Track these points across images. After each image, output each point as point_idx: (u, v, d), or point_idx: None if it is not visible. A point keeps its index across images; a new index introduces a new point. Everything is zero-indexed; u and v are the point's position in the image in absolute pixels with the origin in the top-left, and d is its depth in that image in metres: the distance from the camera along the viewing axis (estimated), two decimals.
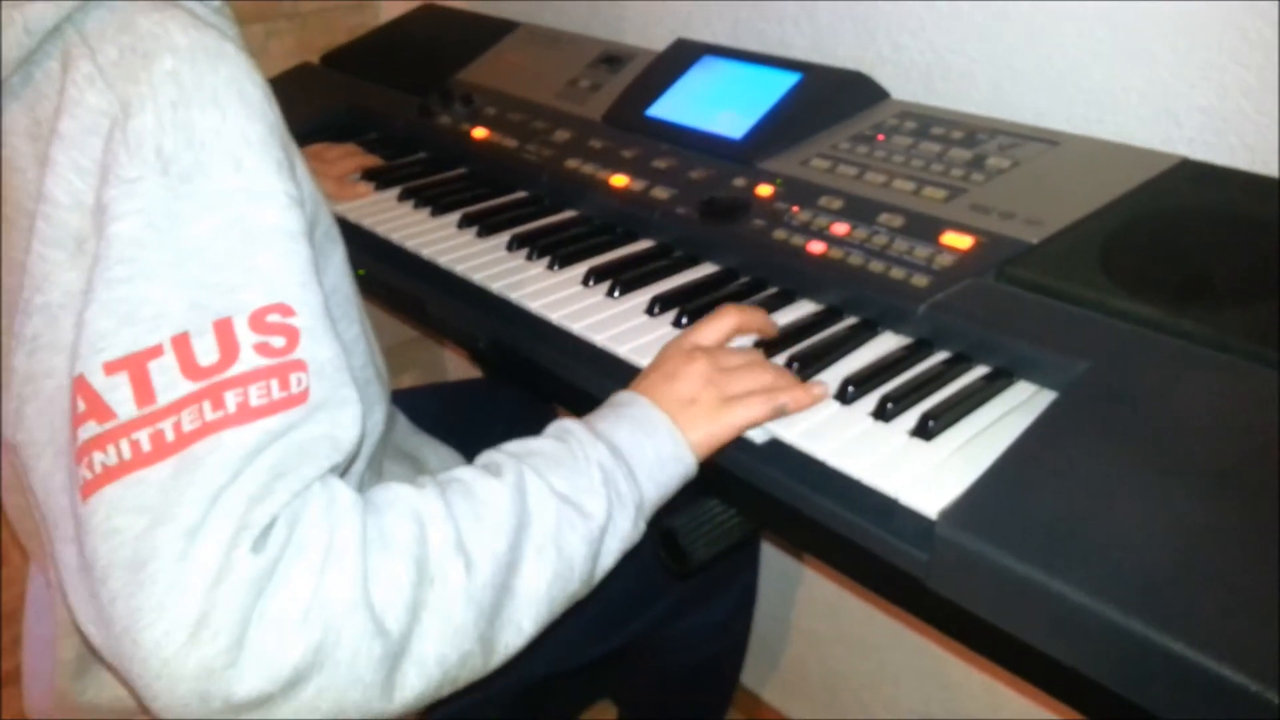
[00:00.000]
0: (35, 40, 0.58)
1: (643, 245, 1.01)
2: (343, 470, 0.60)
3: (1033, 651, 0.57)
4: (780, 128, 1.06)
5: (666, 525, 0.78)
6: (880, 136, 1.01)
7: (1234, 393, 0.65)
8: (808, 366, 0.77)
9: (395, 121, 1.35)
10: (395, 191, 1.18)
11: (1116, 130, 0.97)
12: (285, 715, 0.52)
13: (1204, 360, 0.68)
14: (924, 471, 0.65)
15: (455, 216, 1.09)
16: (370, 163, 1.27)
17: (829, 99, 1.08)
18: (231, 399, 0.53)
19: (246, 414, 0.53)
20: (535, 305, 0.90)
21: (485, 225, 1.06)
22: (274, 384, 0.55)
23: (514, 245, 1.01)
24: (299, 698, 0.52)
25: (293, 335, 0.56)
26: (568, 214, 1.10)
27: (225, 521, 0.51)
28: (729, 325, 0.79)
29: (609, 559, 0.67)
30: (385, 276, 1.05)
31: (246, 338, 0.55)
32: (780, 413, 0.72)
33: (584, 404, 0.82)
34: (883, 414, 0.70)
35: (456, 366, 2.07)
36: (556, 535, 0.63)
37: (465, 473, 0.64)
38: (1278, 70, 0.86)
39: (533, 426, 0.72)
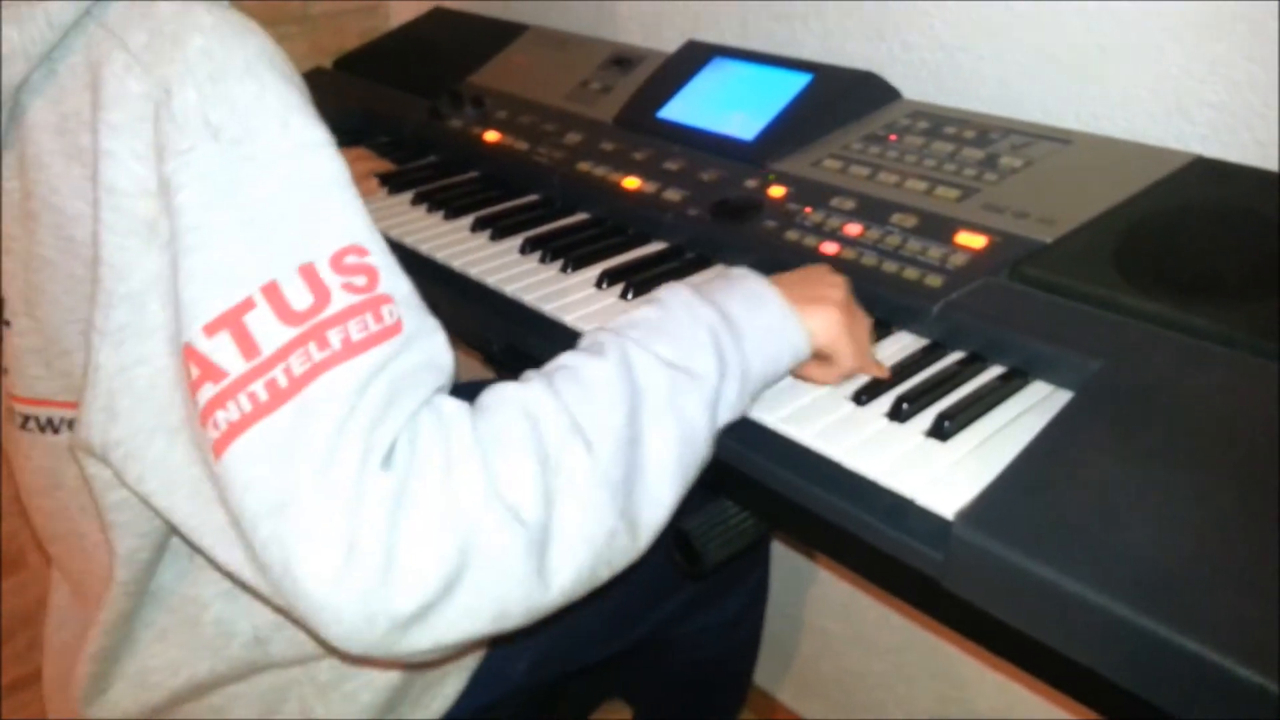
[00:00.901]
0: (58, 34, 0.59)
1: (655, 247, 1.01)
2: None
3: (1048, 651, 0.57)
4: (791, 128, 1.06)
5: (680, 526, 0.78)
6: (892, 136, 1.02)
7: (1248, 389, 0.65)
8: None
9: (406, 125, 1.36)
10: (408, 195, 1.18)
11: (1128, 128, 0.97)
12: (450, 619, 0.54)
13: (1218, 357, 0.67)
14: (940, 472, 0.65)
15: (468, 220, 1.09)
16: (380, 166, 1.28)
17: (840, 99, 1.08)
18: (335, 337, 0.55)
19: (351, 349, 0.55)
20: (550, 308, 0.91)
21: (498, 228, 1.06)
22: (369, 317, 0.56)
23: (527, 248, 1.02)
24: (457, 602, 0.54)
25: (372, 273, 0.58)
26: (580, 216, 1.10)
27: (352, 450, 0.53)
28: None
29: (724, 418, 0.68)
30: None
31: (332, 279, 0.56)
32: (881, 371, 0.74)
33: None
34: (898, 414, 0.71)
35: (469, 369, 2.08)
36: (672, 401, 0.63)
37: (569, 358, 0.65)
38: None
39: None
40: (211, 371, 0.54)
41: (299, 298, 0.55)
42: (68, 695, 0.75)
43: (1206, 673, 0.49)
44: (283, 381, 0.54)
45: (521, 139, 1.22)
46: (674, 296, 0.70)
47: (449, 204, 1.13)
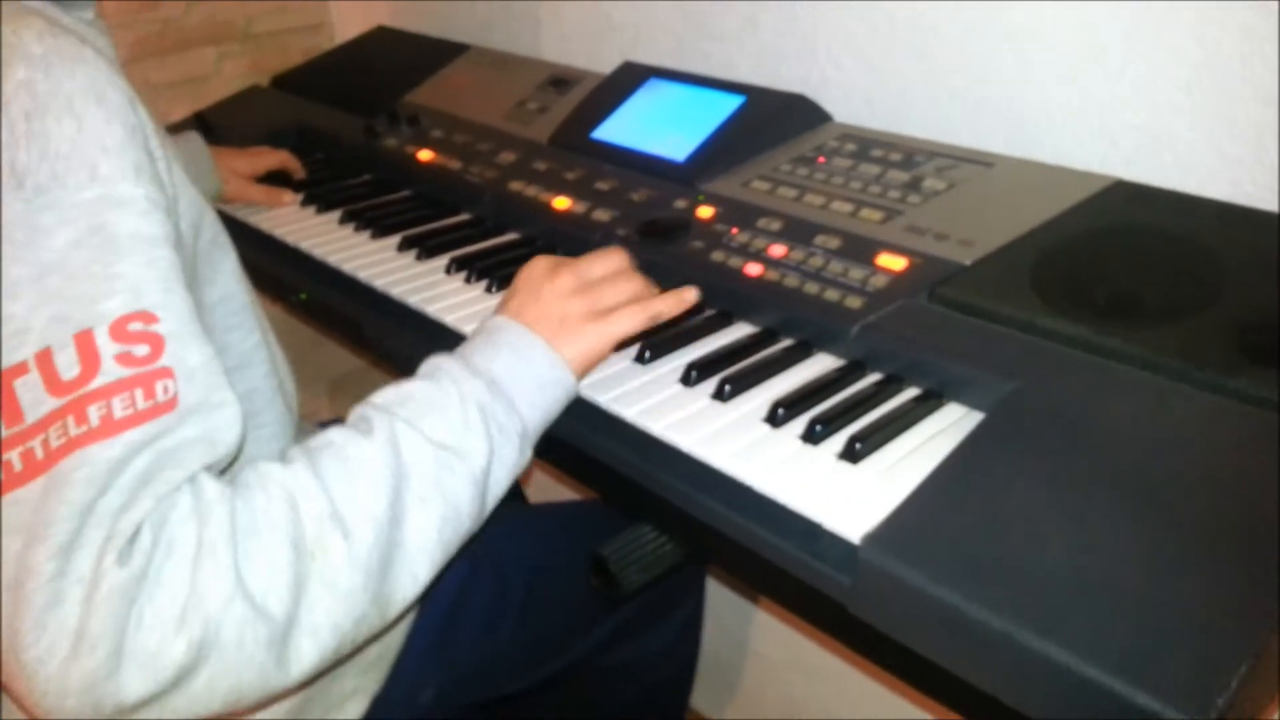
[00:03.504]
0: None
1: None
2: (223, 470, 0.60)
3: (956, 679, 0.56)
4: (723, 149, 1.05)
5: (597, 552, 0.77)
6: (821, 159, 1.01)
7: (1162, 412, 0.64)
8: (740, 388, 0.76)
9: (341, 143, 1.34)
10: (337, 214, 1.16)
11: (1053, 151, 0.97)
12: (180, 706, 0.53)
13: (1131, 379, 0.67)
14: (849, 495, 0.64)
15: (396, 239, 1.08)
16: (292, 165, 1.28)
17: (771, 121, 1.07)
18: (94, 413, 0.53)
19: (110, 427, 0.53)
20: (471, 328, 0.89)
21: (425, 248, 1.04)
22: (138, 394, 0.54)
23: (453, 268, 1.00)
24: (191, 689, 0.53)
25: (157, 342, 0.56)
26: (510, 236, 1.09)
27: (95, 534, 0.51)
28: (615, 264, 0.78)
29: (499, 488, 0.68)
30: (326, 300, 1.04)
31: (108, 348, 0.54)
32: (656, 319, 0.74)
33: None
34: (811, 436, 0.70)
35: None
36: (438, 482, 0.63)
37: (337, 434, 0.64)
38: (1208, 90, 0.87)
39: None
40: None
41: (68, 367, 0.53)
42: None
43: (1106, 699, 0.48)
44: (39, 453, 0.52)
45: (455, 158, 1.21)
46: (444, 372, 0.68)
47: (377, 223, 1.11)
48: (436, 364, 0.69)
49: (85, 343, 0.54)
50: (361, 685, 0.82)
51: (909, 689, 1.29)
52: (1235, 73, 0.85)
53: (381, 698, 0.83)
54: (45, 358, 0.53)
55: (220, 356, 0.59)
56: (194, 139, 1.17)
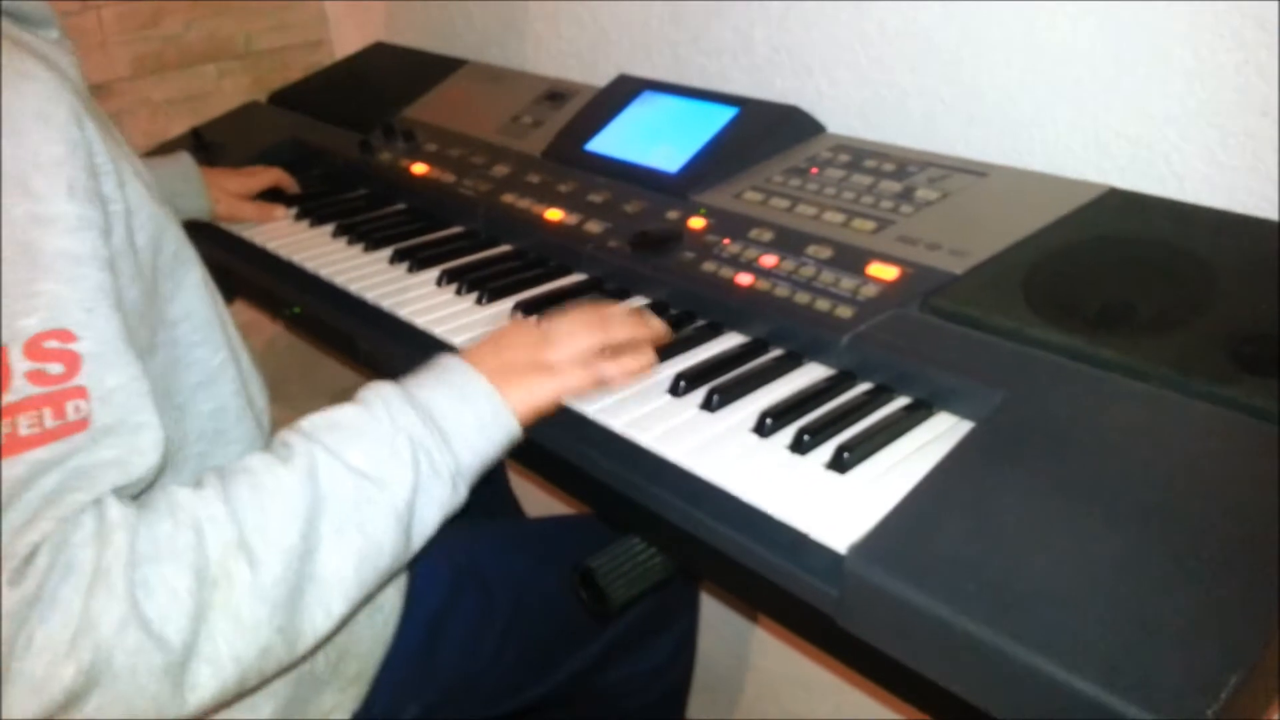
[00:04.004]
0: None
1: (574, 279, 1.00)
2: (138, 494, 0.59)
3: (945, 691, 0.55)
4: (716, 161, 1.05)
5: (585, 565, 0.76)
6: (814, 169, 1.01)
7: (1152, 422, 0.64)
8: (729, 398, 0.76)
9: (337, 158, 1.34)
10: (330, 228, 1.16)
11: (1047, 161, 0.97)
12: None
13: (1123, 389, 0.66)
14: (837, 505, 0.63)
15: (387, 252, 1.08)
16: (286, 182, 1.28)
17: (765, 132, 1.07)
18: None
19: (14, 444, 0.52)
20: (460, 340, 0.89)
21: (416, 260, 1.04)
22: (46, 413, 0.53)
23: (443, 280, 1.00)
24: (80, 714, 0.52)
25: (73, 361, 0.55)
26: (503, 248, 1.09)
27: None
28: (583, 319, 0.77)
29: (427, 527, 0.66)
30: (319, 313, 1.04)
31: (19, 365, 0.53)
32: (602, 382, 0.73)
33: (517, 445, 0.80)
34: (799, 446, 0.69)
35: None
36: (356, 513, 0.62)
37: (255, 460, 0.62)
38: (1202, 98, 0.86)
39: None
40: None
41: None
42: None
43: (1097, 712, 0.47)
44: None
45: (449, 171, 1.21)
46: (379, 398, 0.67)
47: (369, 236, 1.11)
48: (376, 390, 0.68)
49: None
50: (341, 702, 0.81)
51: (907, 706, 1.28)
52: (1229, 81, 0.84)
53: (362, 715, 0.82)
54: None
55: (172, 369, 0.60)
56: (183, 158, 1.18)
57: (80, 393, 0.55)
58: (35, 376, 0.54)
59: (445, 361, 0.72)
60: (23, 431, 0.52)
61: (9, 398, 0.53)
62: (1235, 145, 0.86)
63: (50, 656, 0.51)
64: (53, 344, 0.55)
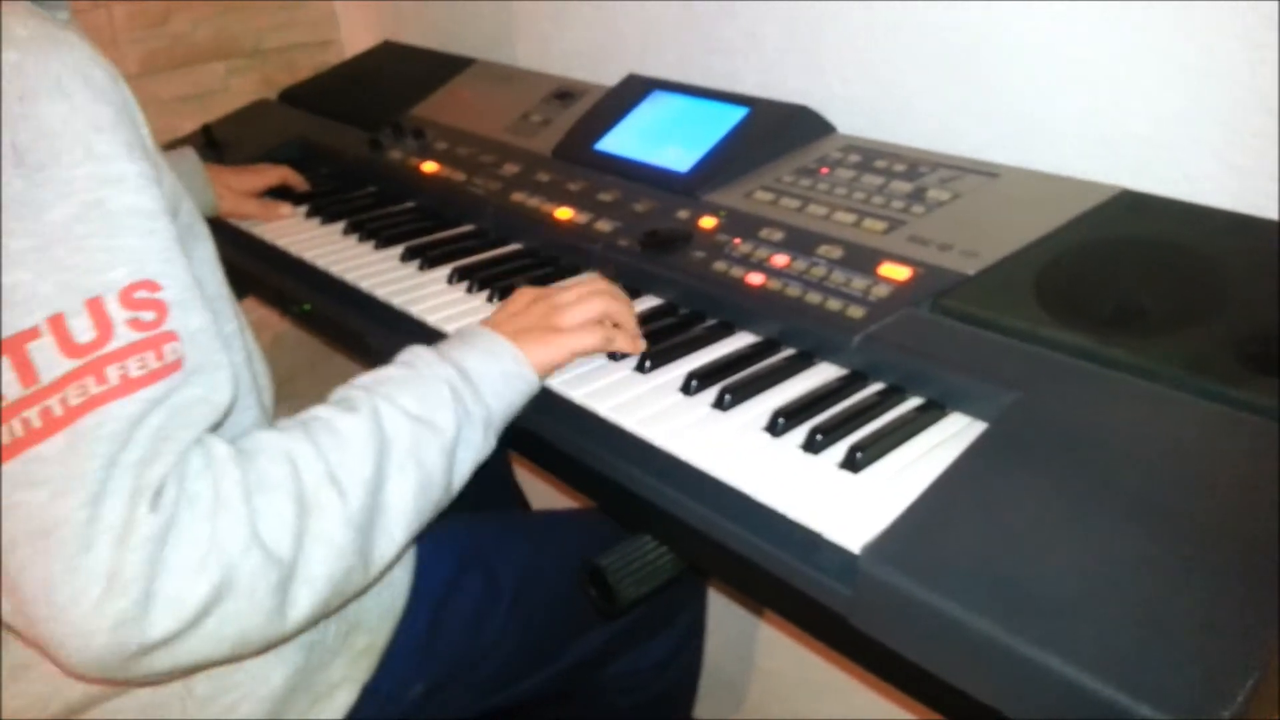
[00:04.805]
0: None
1: (584, 277, 1.00)
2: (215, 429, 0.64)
3: (958, 691, 0.55)
4: (726, 161, 1.05)
5: (595, 563, 0.76)
6: (824, 170, 1.01)
7: (1165, 423, 0.64)
8: (741, 398, 0.76)
9: (346, 156, 1.34)
10: (340, 225, 1.16)
11: (1058, 162, 0.97)
12: (193, 647, 0.58)
13: (1135, 389, 0.66)
14: (850, 505, 0.63)
15: (398, 250, 1.08)
16: (295, 181, 1.28)
17: (775, 133, 1.07)
18: (113, 372, 0.56)
19: (128, 385, 0.57)
20: None
21: (428, 258, 1.04)
22: (150, 355, 0.58)
23: (455, 278, 1.00)
24: (204, 631, 0.58)
25: (161, 309, 0.59)
26: (513, 247, 1.09)
27: (122, 485, 0.55)
28: (587, 287, 0.86)
29: (465, 468, 0.73)
30: (328, 311, 1.04)
31: (118, 314, 0.58)
32: (609, 345, 0.82)
33: (528, 442, 0.80)
34: (812, 446, 0.69)
35: None
36: (415, 451, 0.69)
37: (323, 410, 0.69)
38: (1214, 99, 0.86)
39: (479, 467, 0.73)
40: None
41: (83, 331, 0.56)
42: None
43: (1109, 712, 0.47)
44: (57, 410, 0.55)
45: (459, 170, 1.21)
46: (418, 358, 0.75)
47: (380, 234, 1.11)
48: (414, 352, 0.76)
49: (97, 309, 0.57)
50: (350, 675, 0.82)
51: (918, 707, 1.28)
52: (1241, 82, 0.84)
53: (371, 688, 0.83)
54: (58, 322, 0.56)
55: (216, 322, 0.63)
56: (188, 154, 1.18)
57: (173, 336, 0.60)
58: (134, 324, 0.58)
59: (469, 328, 0.81)
60: (134, 373, 0.57)
61: (116, 343, 0.57)
62: (1246, 146, 0.86)
63: (185, 575, 0.56)
64: (142, 294, 0.59)
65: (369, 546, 0.66)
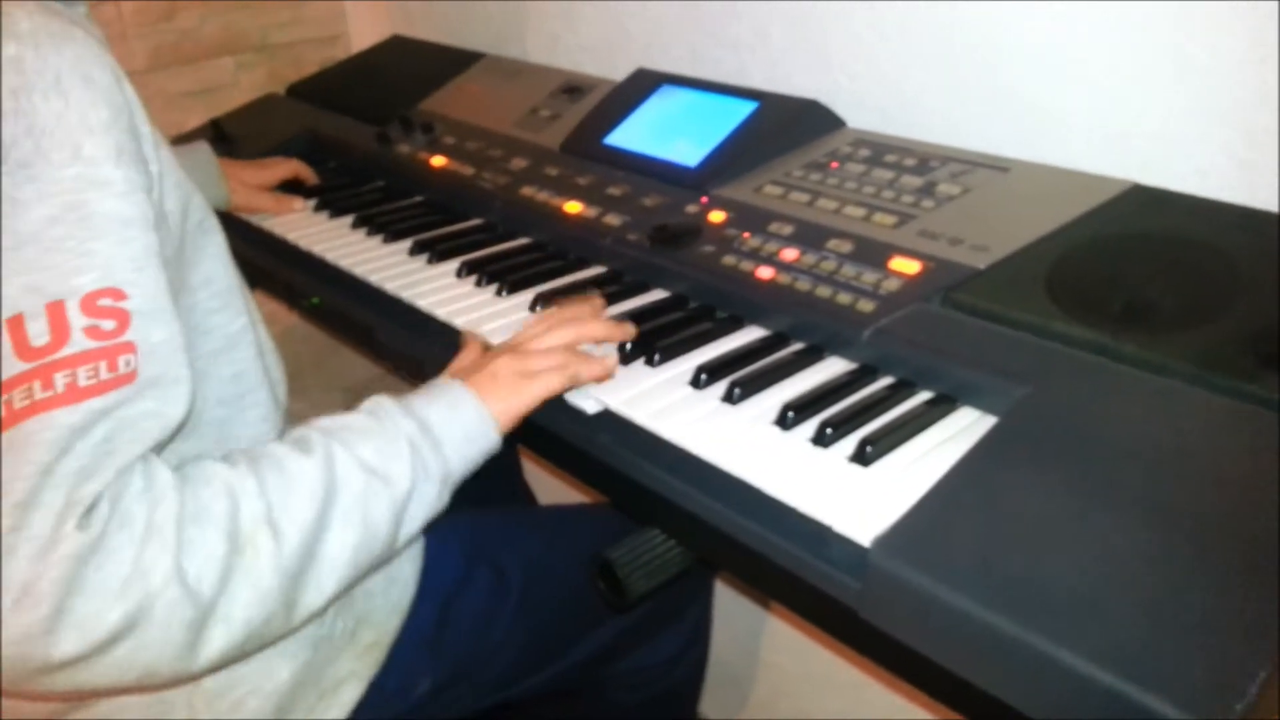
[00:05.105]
0: None
1: (593, 271, 1.00)
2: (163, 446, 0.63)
3: (966, 684, 0.55)
4: (735, 155, 1.05)
5: (604, 557, 0.76)
6: (834, 164, 1.01)
7: (1176, 417, 0.63)
8: (750, 391, 0.76)
9: (355, 150, 1.35)
10: (349, 219, 1.17)
11: (1069, 156, 0.96)
12: (98, 672, 0.56)
13: (1146, 384, 0.66)
14: (860, 498, 0.63)
15: (407, 244, 1.08)
16: (305, 174, 1.28)
17: (784, 127, 1.07)
18: (60, 379, 0.55)
19: (74, 394, 0.56)
20: (486, 329, 0.89)
21: (436, 252, 1.04)
22: (102, 365, 0.57)
23: (463, 272, 1.00)
24: (112, 657, 0.56)
25: (123, 318, 0.59)
26: (522, 241, 1.09)
27: (55, 496, 0.54)
28: (553, 320, 0.83)
29: (414, 524, 0.71)
30: (337, 304, 1.04)
31: (77, 321, 0.57)
32: (576, 381, 0.78)
33: (536, 437, 0.80)
34: (821, 440, 0.69)
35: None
36: (362, 503, 0.67)
37: (277, 448, 0.67)
38: (1224, 94, 0.86)
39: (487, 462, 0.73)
40: None
41: (39, 335, 0.56)
42: None
43: (1120, 706, 0.47)
44: (1, 412, 0.54)
45: (467, 164, 1.21)
46: (381, 407, 0.73)
47: (388, 227, 1.11)
48: (378, 402, 0.74)
49: (56, 313, 0.56)
50: (357, 670, 0.82)
51: (925, 702, 1.28)
52: (1251, 77, 0.84)
53: (378, 684, 0.83)
54: (17, 324, 0.56)
55: (189, 335, 0.63)
56: (201, 148, 1.18)
57: (130, 348, 0.58)
58: (91, 331, 0.57)
59: (438, 381, 0.78)
60: (82, 382, 0.56)
61: (69, 350, 0.56)
62: (1257, 141, 0.85)
63: (102, 599, 0.54)
64: (106, 302, 0.58)
65: (296, 595, 0.64)
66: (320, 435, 0.68)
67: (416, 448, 0.70)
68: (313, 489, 0.64)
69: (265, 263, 1.13)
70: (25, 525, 0.53)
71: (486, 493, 0.83)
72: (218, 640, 0.60)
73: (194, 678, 0.63)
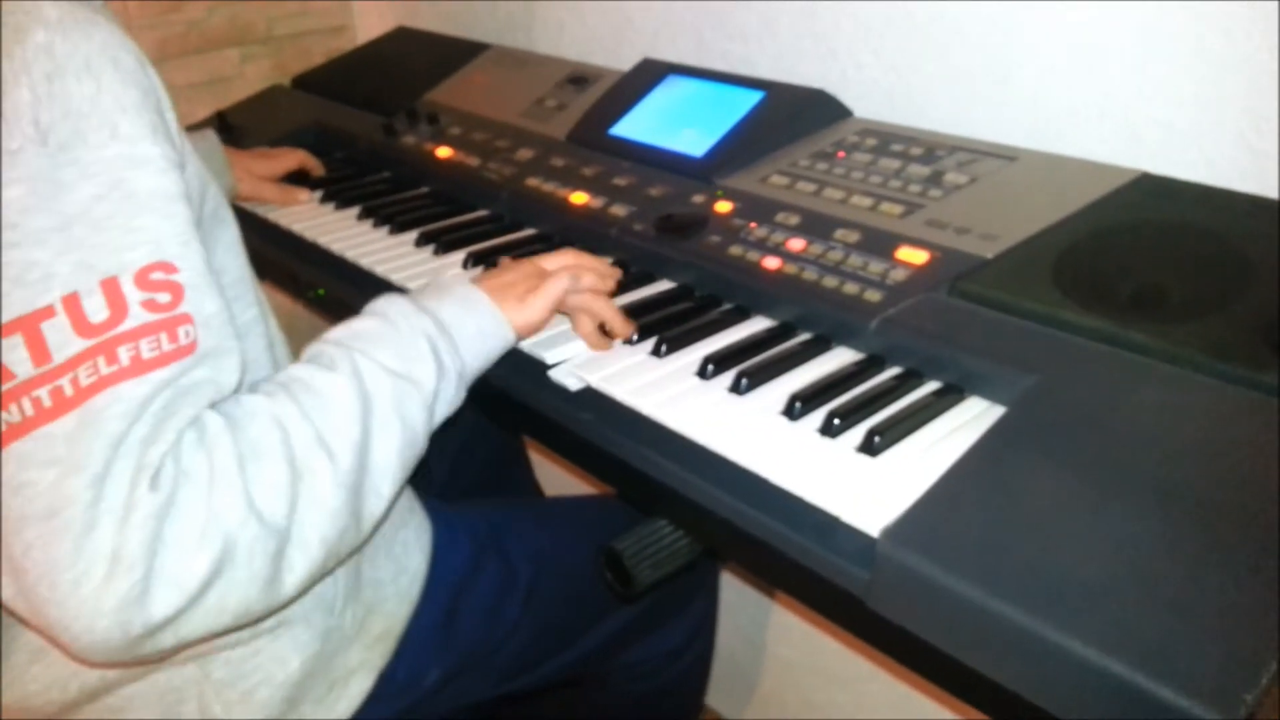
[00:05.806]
0: None
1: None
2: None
3: (975, 674, 0.55)
4: (741, 145, 1.05)
5: (611, 547, 0.76)
6: (840, 154, 1.00)
7: (1185, 406, 0.63)
8: (757, 382, 0.75)
9: (360, 141, 1.34)
10: (355, 210, 1.16)
11: (1077, 146, 0.96)
12: (197, 622, 0.58)
13: (1155, 373, 0.66)
14: (868, 488, 0.63)
15: (413, 235, 1.08)
16: (311, 165, 1.28)
17: (790, 117, 1.07)
18: (124, 353, 0.57)
19: (139, 366, 0.57)
20: None
21: (442, 243, 1.04)
22: (163, 337, 0.58)
23: (470, 263, 1.00)
24: (206, 604, 0.58)
25: (177, 291, 0.60)
26: (528, 232, 1.08)
27: (126, 465, 0.55)
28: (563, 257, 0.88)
29: (438, 420, 0.74)
30: (343, 296, 1.04)
31: (134, 295, 0.58)
32: (577, 282, 0.82)
33: (540, 426, 0.80)
34: (829, 430, 0.69)
35: None
36: (398, 407, 0.69)
37: (302, 371, 0.68)
38: (1234, 83, 0.85)
39: (489, 447, 0.72)
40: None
41: (97, 311, 0.57)
42: None
43: (1129, 695, 0.47)
44: (68, 390, 0.55)
45: (473, 155, 1.21)
46: (393, 308, 0.74)
47: (394, 218, 1.11)
48: (388, 301, 0.75)
49: (112, 289, 0.57)
50: (367, 660, 0.82)
51: (932, 692, 1.28)
52: (1262, 65, 0.83)
53: (387, 674, 0.84)
54: (73, 302, 0.56)
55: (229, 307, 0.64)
56: (209, 136, 1.18)
57: (187, 319, 0.60)
58: (148, 305, 0.58)
59: (445, 279, 0.80)
60: (145, 355, 0.57)
61: (129, 324, 0.57)
62: (1267, 129, 0.85)
63: (187, 550, 0.56)
64: (158, 275, 0.59)
65: (360, 505, 0.66)
66: (340, 349, 0.70)
67: (435, 346, 0.72)
68: (349, 404, 0.66)
69: (270, 253, 1.13)
70: (102, 498, 0.54)
71: (495, 484, 0.83)
72: (300, 565, 0.62)
73: (284, 606, 0.65)
